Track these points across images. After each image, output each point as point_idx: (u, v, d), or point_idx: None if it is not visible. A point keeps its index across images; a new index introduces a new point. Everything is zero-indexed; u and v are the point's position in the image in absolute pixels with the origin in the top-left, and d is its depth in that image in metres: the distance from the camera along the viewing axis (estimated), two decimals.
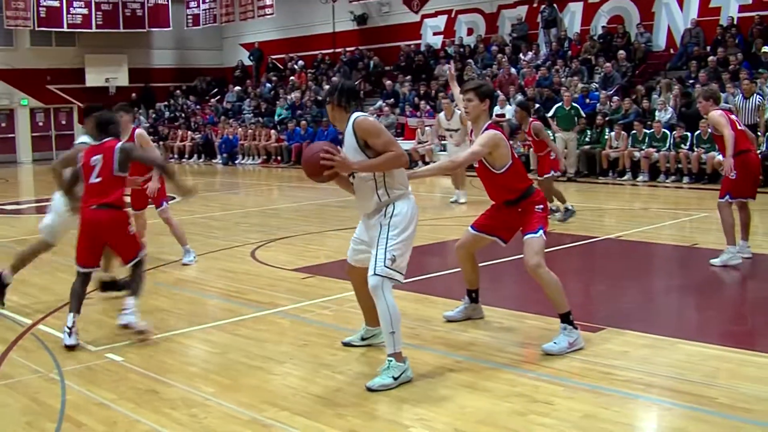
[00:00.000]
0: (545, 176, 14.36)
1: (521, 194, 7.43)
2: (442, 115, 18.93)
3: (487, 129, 7.41)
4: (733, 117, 10.79)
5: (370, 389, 6.25)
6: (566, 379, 6.35)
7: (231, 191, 22.54)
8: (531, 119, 14.63)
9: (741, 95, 19.73)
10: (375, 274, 6.42)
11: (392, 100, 31.20)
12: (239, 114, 36.63)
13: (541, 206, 7.45)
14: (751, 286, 9.73)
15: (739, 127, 10.59)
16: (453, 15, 34.09)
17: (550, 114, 23.55)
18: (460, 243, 8.04)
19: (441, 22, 34.50)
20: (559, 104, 23.66)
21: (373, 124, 6.59)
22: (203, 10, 38.84)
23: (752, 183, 10.80)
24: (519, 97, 26.90)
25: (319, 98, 33.51)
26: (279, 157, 32.15)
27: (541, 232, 7.30)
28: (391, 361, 6.38)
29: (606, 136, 23.36)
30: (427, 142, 27.26)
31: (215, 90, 41.49)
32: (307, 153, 6.54)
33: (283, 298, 9.17)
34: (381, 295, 6.43)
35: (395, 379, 6.32)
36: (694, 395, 5.95)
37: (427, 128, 27.46)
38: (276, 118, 34.08)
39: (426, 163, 26.98)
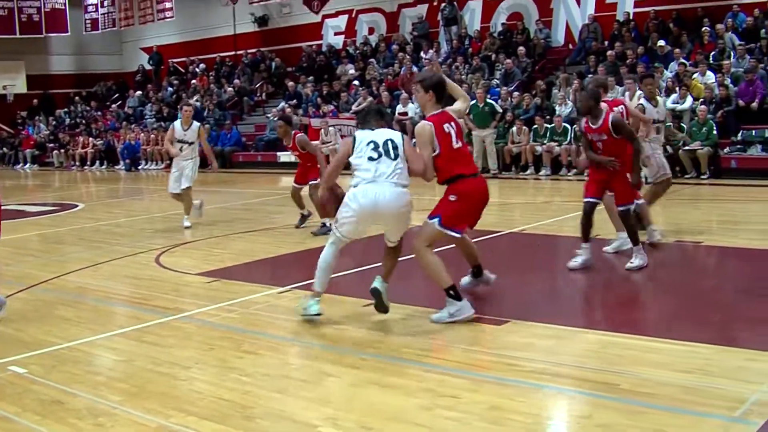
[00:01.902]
0: (311, 183, 13.83)
1: (447, 178, 8.03)
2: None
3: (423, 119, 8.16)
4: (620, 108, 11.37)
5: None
6: (472, 372, 6.41)
7: (135, 197, 22.29)
8: (294, 132, 14.04)
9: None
10: None
11: (295, 101, 31.18)
12: (141, 119, 36.23)
13: (455, 197, 7.93)
14: (652, 274, 9.92)
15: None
16: (354, 15, 34.19)
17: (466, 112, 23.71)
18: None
19: (342, 22, 34.58)
20: (474, 102, 23.84)
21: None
22: (102, 14, 38.32)
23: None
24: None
25: (221, 101, 33.37)
26: None
27: (436, 220, 7.93)
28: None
29: (509, 132, 23.61)
30: (330, 142, 27.23)
31: (116, 95, 40.96)
32: None
33: (188, 303, 9.09)
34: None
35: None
36: (598, 383, 6.06)
37: (330, 128, 27.44)
38: None
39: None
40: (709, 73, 21.95)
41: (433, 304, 8.43)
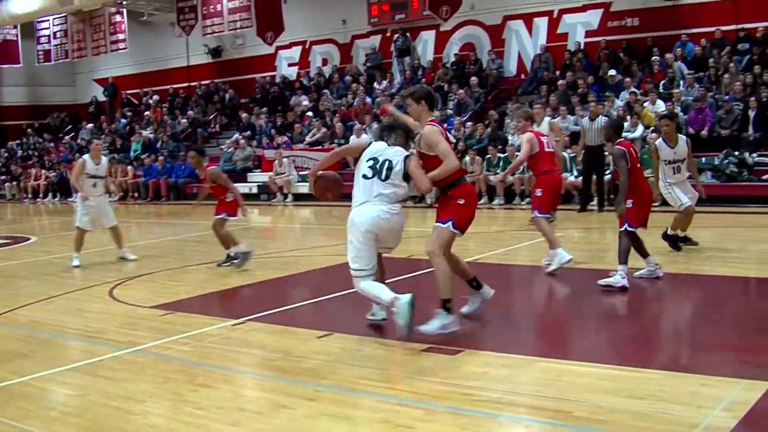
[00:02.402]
0: (216, 217, 13.62)
1: (449, 183, 8.30)
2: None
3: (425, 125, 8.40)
4: (543, 139, 11.94)
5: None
6: (427, 402, 6.40)
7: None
8: (206, 165, 13.90)
9: (588, 117, 20.28)
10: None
11: (249, 132, 31.18)
12: None
13: (463, 200, 8.27)
14: (605, 301, 9.99)
15: (546, 149, 11.77)
16: (307, 46, 34.31)
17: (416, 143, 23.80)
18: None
19: (296, 53, 34.66)
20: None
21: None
22: (54, 45, 38.06)
23: (555, 199, 12.25)
24: (374, 125, 27.16)
25: (175, 132, 33.27)
26: (136, 194, 31.74)
27: (449, 223, 8.24)
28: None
29: (462, 162, 23.73)
30: (284, 173, 27.24)
31: (69, 127, 40.69)
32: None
33: (142, 336, 9.02)
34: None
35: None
36: (551, 410, 6.08)
37: (284, 160, 27.44)
38: (132, 153, 33.63)
39: (285, 195, 26.97)
40: (659, 101, 22.23)
41: (382, 333, 8.46)
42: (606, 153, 20.41)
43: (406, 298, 7.86)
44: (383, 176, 8.13)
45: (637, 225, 10.52)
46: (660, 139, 12.87)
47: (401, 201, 8.37)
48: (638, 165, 10.77)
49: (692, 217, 12.94)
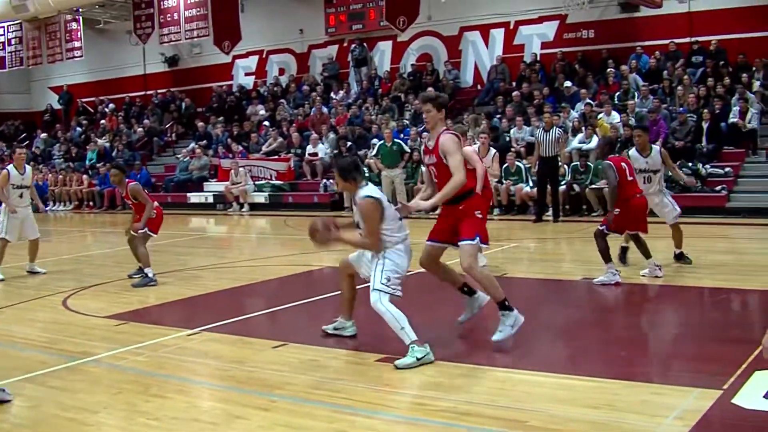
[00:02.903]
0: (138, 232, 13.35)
1: (459, 195, 8.25)
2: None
3: (444, 133, 8.33)
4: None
5: (397, 367, 7.53)
6: (382, 412, 6.41)
7: (42, 239, 21.86)
8: (128, 181, 13.53)
9: (542, 128, 20.37)
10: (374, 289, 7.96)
11: (205, 141, 31.06)
12: (49, 159, 35.70)
13: (480, 213, 8.39)
14: (561, 311, 10.04)
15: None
16: (264, 55, 34.25)
17: (373, 153, 23.89)
18: (422, 259, 8.75)
19: (252, 62, 34.61)
20: (381, 142, 23.92)
21: None
22: (9, 52, 37.56)
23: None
24: (331, 135, 27.21)
25: (131, 141, 33.07)
26: (91, 203, 31.50)
27: (477, 239, 8.28)
28: (413, 347, 7.64)
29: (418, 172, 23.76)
30: (240, 183, 27.15)
31: (23, 135, 40.27)
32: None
33: (96, 347, 8.93)
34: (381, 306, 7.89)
35: (418, 359, 7.60)
36: (507, 420, 6.11)
37: (240, 169, 27.36)
38: (87, 162, 33.36)
39: (240, 205, 26.87)
40: (614, 113, 22.42)
41: (337, 343, 8.46)
42: (560, 164, 20.67)
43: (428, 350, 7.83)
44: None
45: (611, 229, 11.14)
46: (633, 149, 12.86)
47: None
48: (628, 178, 11.35)
49: (680, 230, 12.98)
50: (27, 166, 15.26)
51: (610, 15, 26.07)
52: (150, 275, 12.98)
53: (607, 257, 11.13)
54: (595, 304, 10.20)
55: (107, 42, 37.48)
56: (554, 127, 20.16)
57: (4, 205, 14.84)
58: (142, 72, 37.77)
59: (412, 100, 27.35)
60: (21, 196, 14.90)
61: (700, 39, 24.68)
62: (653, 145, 12.97)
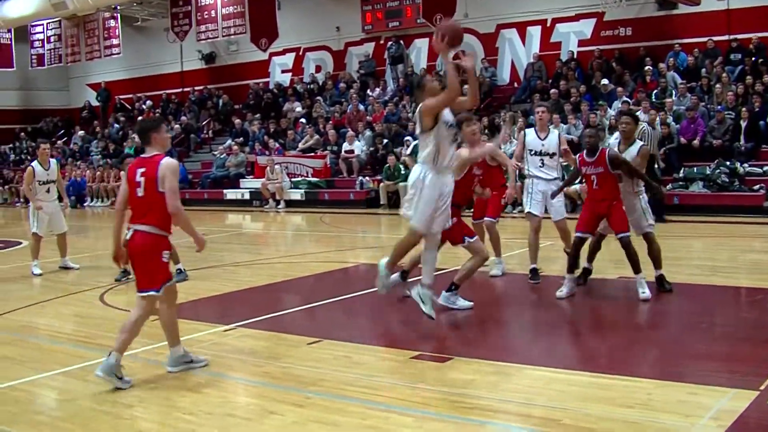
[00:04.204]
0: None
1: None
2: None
3: None
4: None
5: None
6: (416, 409, 6.41)
7: (80, 234, 22.07)
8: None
9: (582, 125, 20.27)
10: None
11: (241, 138, 31.17)
12: (87, 155, 35.96)
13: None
14: (596, 310, 10.01)
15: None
16: (301, 53, 34.30)
17: (408, 151, 23.85)
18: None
19: (289, 60, 34.67)
20: (417, 141, 23.88)
21: None
22: (48, 49, 37.91)
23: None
24: (367, 132, 27.23)
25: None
26: None
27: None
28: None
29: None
30: (276, 180, 27.23)
31: (62, 131, 40.63)
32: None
33: (133, 342, 9.00)
34: None
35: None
36: (541, 418, 6.10)
37: (276, 166, 27.42)
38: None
39: (277, 201, 26.94)
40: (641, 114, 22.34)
41: (376, 340, 8.46)
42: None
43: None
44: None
45: (578, 230, 10.60)
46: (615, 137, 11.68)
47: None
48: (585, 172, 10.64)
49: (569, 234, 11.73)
50: (52, 160, 15.28)
51: (648, 12, 25.90)
52: (182, 270, 13.04)
53: (573, 266, 10.75)
54: (629, 304, 10.13)
55: (145, 39, 37.72)
56: (658, 126, 20.15)
57: (32, 204, 14.97)
58: (180, 69, 37.97)
59: None
60: (48, 191, 14.98)
61: (738, 36, 24.49)
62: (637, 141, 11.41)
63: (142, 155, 7.77)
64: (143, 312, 7.56)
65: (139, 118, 35.23)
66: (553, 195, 11.46)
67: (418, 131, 8.90)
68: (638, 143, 11.04)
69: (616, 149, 10.75)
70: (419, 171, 8.76)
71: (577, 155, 10.78)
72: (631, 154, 10.77)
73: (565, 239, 11.83)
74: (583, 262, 11.00)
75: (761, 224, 18.02)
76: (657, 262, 10.68)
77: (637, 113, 22.09)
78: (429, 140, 8.69)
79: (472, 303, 9.74)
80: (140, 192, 7.54)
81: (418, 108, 8.90)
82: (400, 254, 9.07)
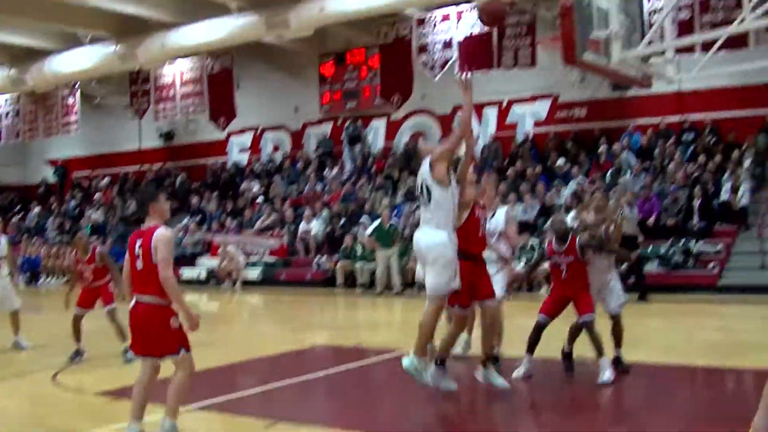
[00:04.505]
0: (112, 306, 13.23)
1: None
2: None
3: None
4: None
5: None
6: None
7: (33, 312, 21.78)
8: (93, 245, 13.79)
9: (538, 205, 20.43)
10: None
11: (199, 217, 31.09)
12: (42, 232, 35.69)
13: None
14: (549, 390, 9.98)
15: None
16: (259, 132, 34.40)
17: (368, 232, 23.86)
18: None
19: (247, 139, 34.73)
20: (378, 222, 23.89)
21: None
22: (5, 125, 37.74)
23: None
24: (324, 212, 27.26)
25: (125, 215, 33.06)
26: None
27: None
28: None
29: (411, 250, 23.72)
30: (232, 258, 27.11)
31: (18, 207, 40.29)
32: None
33: (87, 423, 8.86)
34: None
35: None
36: None
37: (230, 247, 27.34)
38: None
39: (233, 281, 26.76)
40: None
41: (334, 421, 8.37)
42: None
43: None
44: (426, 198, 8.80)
45: (541, 312, 10.52)
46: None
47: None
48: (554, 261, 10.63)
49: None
50: (2, 236, 15.18)
51: (602, 94, 26.27)
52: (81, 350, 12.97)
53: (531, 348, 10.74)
54: (585, 384, 10.11)
55: (104, 116, 37.69)
56: (635, 206, 20.56)
57: None
58: (138, 147, 37.87)
59: (405, 178, 27.47)
60: None
61: (690, 117, 24.95)
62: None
63: (141, 226, 7.88)
64: (185, 372, 7.91)
65: (139, 187, 35.11)
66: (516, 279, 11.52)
67: (432, 193, 8.72)
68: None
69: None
70: (440, 236, 8.68)
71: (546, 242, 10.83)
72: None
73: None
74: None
75: (715, 303, 18.17)
76: (618, 342, 10.67)
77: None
78: (445, 199, 8.71)
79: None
80: (139, 264, 7.66)
81: (426, 167, 8.80)
82: (428, 333, 8.93)
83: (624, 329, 10.65)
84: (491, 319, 9.32)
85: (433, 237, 8.68)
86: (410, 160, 28.70)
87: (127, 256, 7.86)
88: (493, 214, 11.23)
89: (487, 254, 9.92)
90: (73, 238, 14.41)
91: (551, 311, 10.44)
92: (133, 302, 7.72)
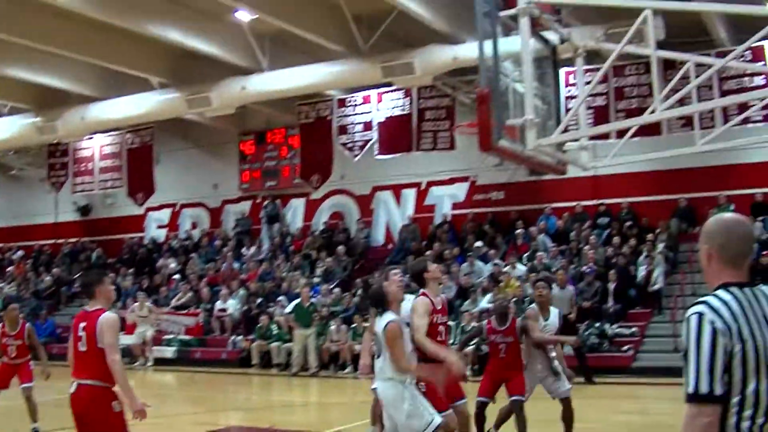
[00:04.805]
0: (29, 385, 12.95)
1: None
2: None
3: None
4: None
5: None
6: None
7: None
8: (23, 320, 13.85)
9: (455, 287, 20.48)
10: None
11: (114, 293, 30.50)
12: None
13: None
14: None
15: None
16: (177, 209, 34.09)
17: (287, 311, 23.67)
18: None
19: (165, 215, 34.39)
20: (298, 302, 23.68)
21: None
22: None
23: None
24: (241, 291, 27.02)
25: (38, 290, 32.43)
26: None
27: None
28: None
29: (328, 330, 23.58)
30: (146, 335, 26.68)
31: None
32: None
33: None
34: None
35: None
36: None
37: (141, 321, 26.90)
38: None
39: (145, 359, 26.26)
40: (518, 265, 22.83)
41: None
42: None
43: None
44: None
45: (479, 395, 10.54)
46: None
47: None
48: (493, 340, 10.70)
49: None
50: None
51: (519, 177, 26.54)
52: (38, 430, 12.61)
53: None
54: None
55: (20, 188, 37.16)
56: (567, 285, 20.37)
57: None
58: (54, 220, 37.28)
59: (323, 258, 27.41)
60: None
61: (605, 201, 25.37)
62: (552, 308, 11.26)
63: (86, 308, 7.78)
64: None
65: (81, 271, 34.36)
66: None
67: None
68: (555, 310, 11.08)
69: (530, 320, 10.66)
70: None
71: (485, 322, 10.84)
72: (553, 324, 10.84)
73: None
74: None
75: (630, 384, 18.28)
76: (569, 426, 10.73)
77: (505, 267, 22.60)
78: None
79: None
80: (82, 346, 7.55)
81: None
82: None
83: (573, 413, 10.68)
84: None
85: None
86: (330, 240, 28.74)
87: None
88: None
89: None
90: (4, 309, 14.09)
91: (488, 392, 10.47)
92: (74, 386, 7.59)
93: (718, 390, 3.56)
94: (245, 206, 32.33)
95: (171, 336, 27.10)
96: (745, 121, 18.51)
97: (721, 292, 3.73)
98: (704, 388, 3.56)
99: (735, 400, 3.61)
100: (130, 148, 31.20)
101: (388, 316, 7.90)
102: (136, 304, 27.05)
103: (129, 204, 32.48)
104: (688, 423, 3.60)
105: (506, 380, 10.42)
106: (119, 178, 31.36)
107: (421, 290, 9.01)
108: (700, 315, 3.64)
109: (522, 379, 10.36)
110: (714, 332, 3.59)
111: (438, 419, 7.85)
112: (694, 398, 3.58)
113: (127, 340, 27.09)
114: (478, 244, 25.45)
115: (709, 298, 3.70)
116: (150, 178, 30.73)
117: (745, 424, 3.62)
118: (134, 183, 31.09)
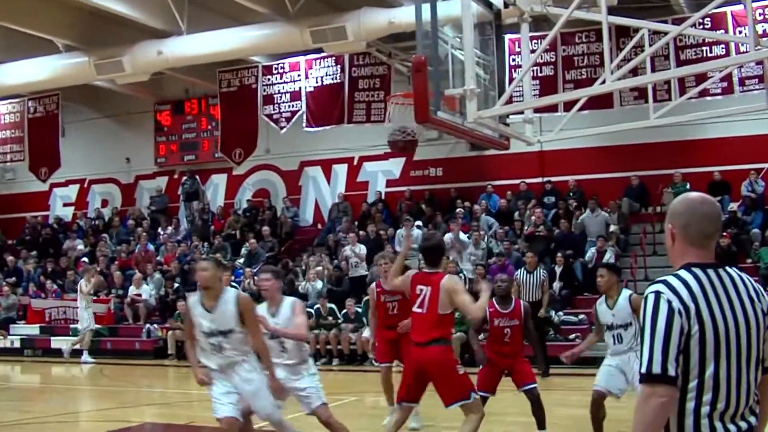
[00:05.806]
0: None
1: None
2: None
3: None
4: None
5: None
6: None
7: None
8: None
9: (524, 269, 20.45)
10: None
11: (14, 278, 30.14)
12: None
13: None
14: None
15: None
16: (86, 185, 33.78)
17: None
18: None
19: (72, 192, 34.05)
20: None
21: None
22: None
23: None
24: (157, 275, 26.83)
25: None
26: None
27: None
28: None
29: None
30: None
31: None
32: None
33: None
34: None
35: None
36: None
37: (50, 311, 26.63)
38: None
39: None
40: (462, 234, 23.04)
41: None
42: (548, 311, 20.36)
43: None
44: None
45: (479, 389, 10.46)
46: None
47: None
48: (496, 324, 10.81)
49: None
50: None
51: (459, 153, 26.72)
52: None
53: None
54: None
55: None
56: (538, 269, 20.22)
57: None
58: None
59: (247, 239, 27.31)
60: None
61: (552, 179, 25.58)
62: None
63: None
64: None
65: None
66: None
67: None
68: (626, 292, 10.32)
69: (604, 306, 10.23)
70: None
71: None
72: (622, 307, 10.08)
73: None
74: None
75: (578, 376, 18.46)
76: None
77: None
78: None
79: None
80: None
81: None
82: None
83: None
84: None
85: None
86: (254, 219, 28.64)
87: None
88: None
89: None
90: None
91: (489, 386, 10.55)
92: None
93: (672, 371, 3.69)
94: (161, 182, 32.10)
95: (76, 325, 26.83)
96: (703, 93, 18.86)
97: (682, 272, 3.86)
98: (657, 368, 3.68)
99: (693, 383, 3.72)
100: (32, 117, 30.66)
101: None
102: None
103: (31, 179, 32.02)
104: (641, 403, 3.73)
105: (510, 369, 10.51)
106: (20, 151, 30.86)
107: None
108: (657, 293, 3.78)
109: (528, 367, 10.50)
110: (670, 311, 3.71)
111: None
112: (647, 378, 3.71)
113: (29, 329, 26.86)
114: (418, 223, 25.48)
115: (669, 277, 3.83)
116: (55, 150, 30.27)
117: (705, 410, 3.74)
118: (37, 156, 30.61)
